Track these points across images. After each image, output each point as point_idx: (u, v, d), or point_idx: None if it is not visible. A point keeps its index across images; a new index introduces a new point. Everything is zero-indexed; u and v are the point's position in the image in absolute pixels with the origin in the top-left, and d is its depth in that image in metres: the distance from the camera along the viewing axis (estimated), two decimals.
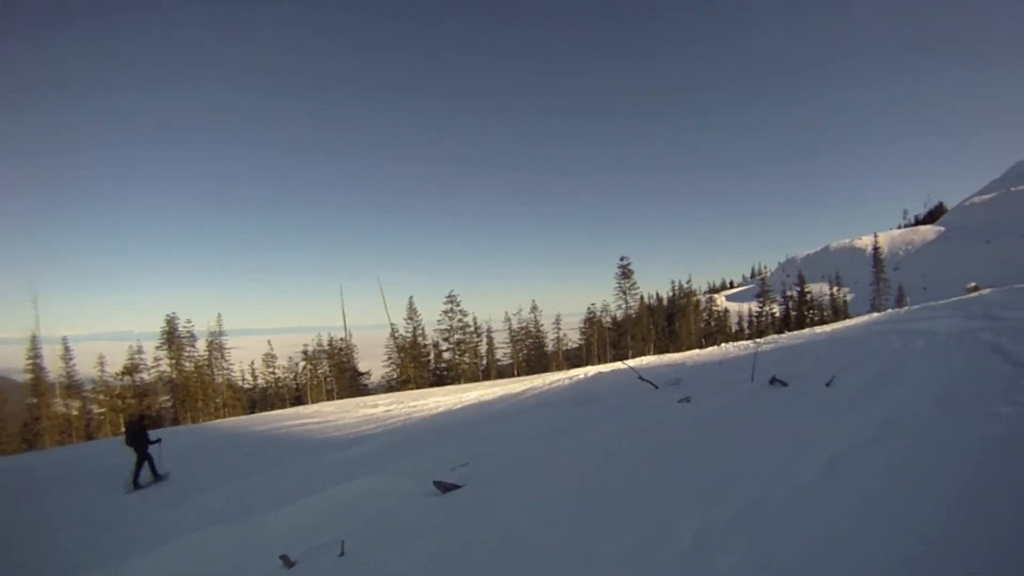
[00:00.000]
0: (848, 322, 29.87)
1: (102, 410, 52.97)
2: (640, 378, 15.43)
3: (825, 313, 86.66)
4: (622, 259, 75.54)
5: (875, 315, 31.31)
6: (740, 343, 31.51)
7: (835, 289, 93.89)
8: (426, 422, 21.07)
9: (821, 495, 4.97)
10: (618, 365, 26.91)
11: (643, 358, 36.10)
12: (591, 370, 30.72)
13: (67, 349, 53.48)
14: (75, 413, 53.17)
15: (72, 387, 53.54)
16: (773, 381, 10.76)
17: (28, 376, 49.30)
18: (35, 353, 49.47)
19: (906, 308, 30.04)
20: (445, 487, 7.92)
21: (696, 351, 32.40)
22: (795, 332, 33.07)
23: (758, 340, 29.73)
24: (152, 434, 16.52)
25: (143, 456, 15.64)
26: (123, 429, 17.70)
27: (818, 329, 28.86)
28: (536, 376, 38.97)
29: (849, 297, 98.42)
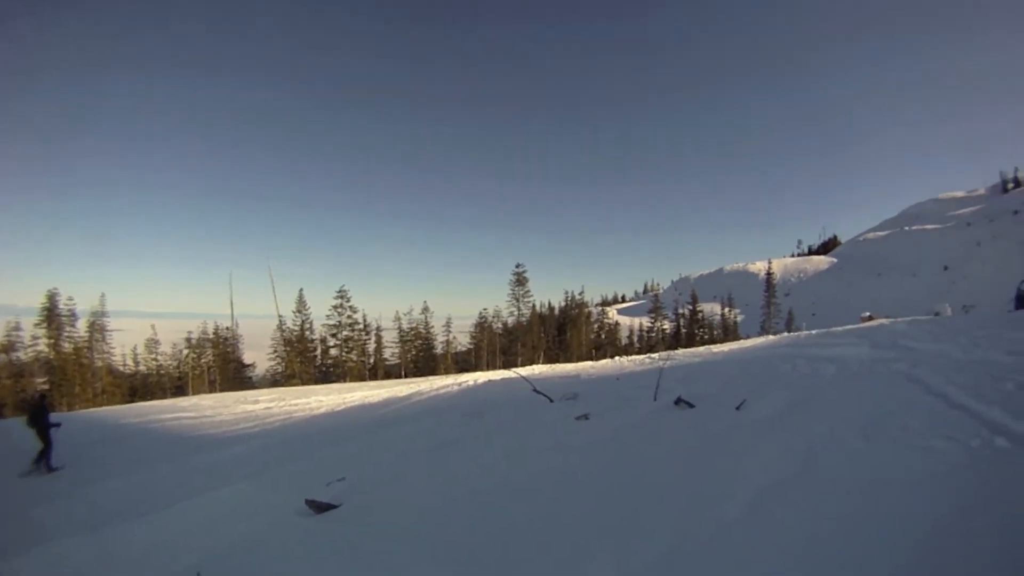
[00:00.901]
0: (746, 343, 30.22)
1: None
2: (535, 390, 14.87)
3: (715, 332, 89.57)
4: (517, 266, 76.37)
5: (772, 337, 31.90)
6: (635, 357, 31.52)
7: (726, 309, 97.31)
8: (306, 423, 20.02)
9: (747, 537, 4.51)
10: (509, 373, 26.36)
11: (535, 367, 35.87)
12: (481, 376, 30.15)
13: None
14: None
15: None
16: (679, 402, 10.26)
17: None
18: None
19: (806, 333, 30.49)
20: (319, 507, 7.20)
21: (590, 363, 32.35)
22: (691, 349, 33.37)
23: (653, 355, 29.86)
24: (52, 417, 15.86)
25: (46, 438, 14.95)
26: (23, 409, 16.24)
27: (715, 348, 29.08)
28: (423, 379, 38.21)
29: (740, 318, 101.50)
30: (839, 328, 28.16)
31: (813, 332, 29.08)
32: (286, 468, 11.45)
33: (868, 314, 62.93)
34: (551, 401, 13.74)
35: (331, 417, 21.09)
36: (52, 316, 55.75)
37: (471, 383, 26.49)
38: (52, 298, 56.13)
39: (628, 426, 9.32)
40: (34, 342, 55.84)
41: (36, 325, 55.74)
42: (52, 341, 55.37)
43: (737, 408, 9.17)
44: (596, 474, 6.83)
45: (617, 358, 34.51)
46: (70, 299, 57.69)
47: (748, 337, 78.22)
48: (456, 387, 25.56)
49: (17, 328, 55.33)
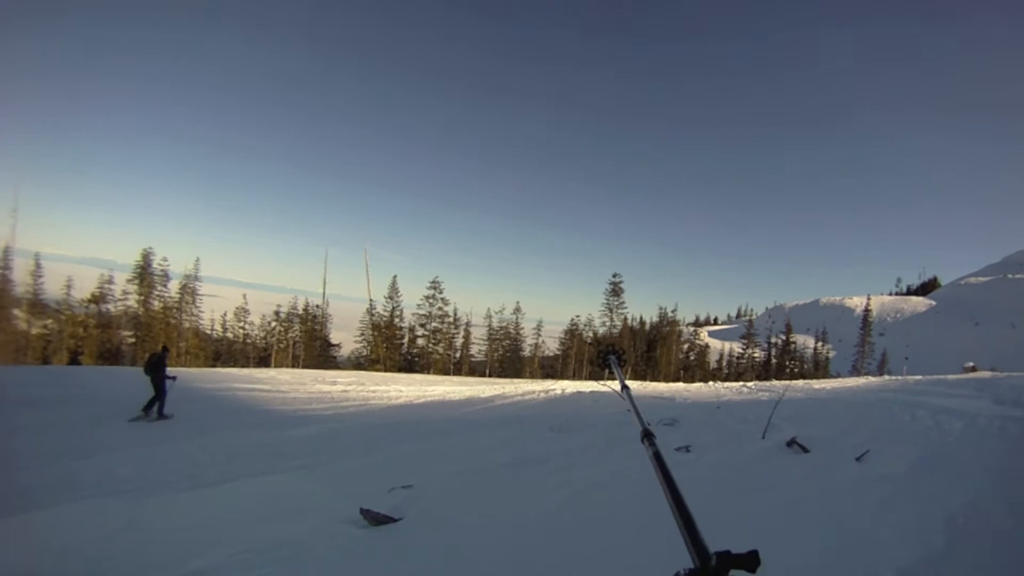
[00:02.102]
0: (848, 382, 28.55)
1: (60, 332, 52.82)
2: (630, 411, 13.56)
3: (806, 366, 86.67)
4: (614, 276, 75.05)
5: (873, 379, 30.12)
6: (730, 384, 30.19)
7: (819, 343, 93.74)
8: (381, 414, 19.16)
9: None
10: (600, 386, 25.19)
11: (629, 382, 33.84)
12: (569, 386, 28.93)
13: (38, 266, 53.12)
14: (35, 332, 52.47)
15: (36, 305, 52.95)
16: (791, 443, 8.91)
17: None
18: (6, 264, 48.85)
19: (913, 378, 28.55)
20: (376, 519, 6.20)
21: (683, 385, 31.20)
22: (788, 383, 31.71)
23: (749, 384, 28.56)
24: (169, 371, 16.68)
25: (159, 388, 15.94)
26: (145, 358, 17.18)
27: (815, 384, 27.45)
28: (508, 381, 37.18)
29: (831, 354, 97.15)
30: (951, 376, 26.27)
31: (920, 378, 27.26)
32: (349, 462, 10.55)
33: (971, 364, 59.89)
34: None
35: (408, 410, 20.26)
36: (145, 274, 56.81)
37: (558, 392, 25.51)
38: (146, 256, 57.15)
39: (734, 467, 8.12)
40: (124, 297, 56.93)
41: (128, 281, 56.84)
42: (142, 298, 56.38)
43: (858, 459, 7.88)
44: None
45: (712, 383, 33.12)
46: (164, 260, 58.58)
47: (838, 375, 75.89)
48: (543, 395, 24.61)
49: (110, 281, 56.61)
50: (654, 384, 33.40)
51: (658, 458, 1.54)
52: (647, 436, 1.69)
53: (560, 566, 4.65)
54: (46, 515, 6.71)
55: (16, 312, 51.09)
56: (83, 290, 55.29)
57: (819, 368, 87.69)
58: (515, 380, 40.68)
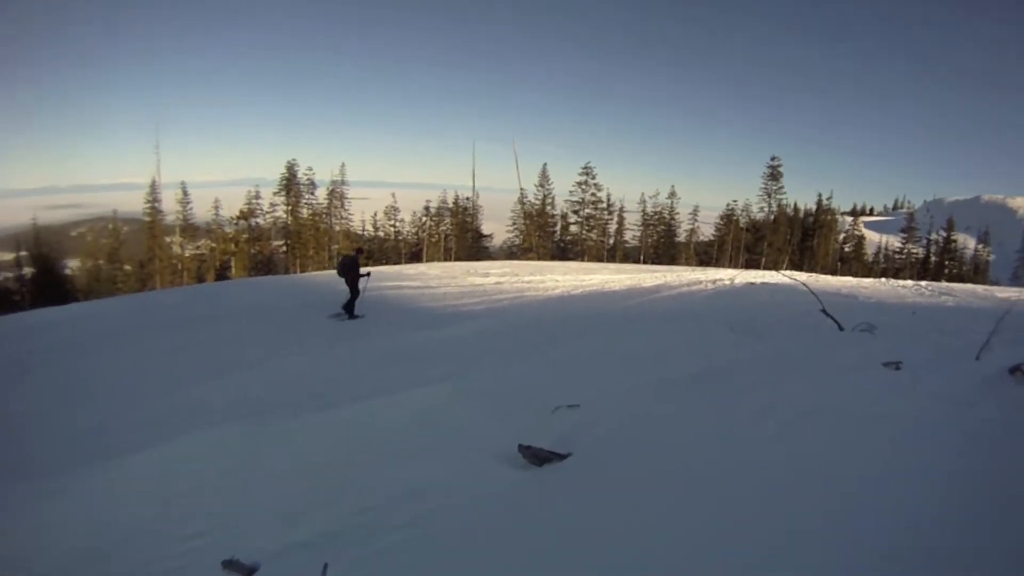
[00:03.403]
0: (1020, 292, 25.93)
1: (213, 251, 54.71)
2: (824, 312, 11.04)
3: (965, 268, 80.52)
4: (773, 159, 71.49)
5: None
6: (906, 283, 27.73)
7: (980, 245, 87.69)
8: (537, 307, 18.06)
9: None
10: (779, 277, 23.51)
11: (797, 273, 31.51)
12: (735, 275, 27.12)
13: (185, 193, 54.44)
14: (187, 255, 54.57)
15: (187, 229, 54.89)
16: (1016, 371, 7.19)
17: (147, 220, 50.79)
18: (154, 197, 50.77)
19: None
20: (539, 456, 4.92)
21: (856, 280, 28.94)
22: (964, 286, 29.23)
23: (927, 285, 26.31)
24: (363, 269, 16.62)
25: (355, 288, 16.04)
26: (338, 260, 18.29)
27: (999, 292, 25.00)
28: (667, 269, 35.30)
29: (991, 257, 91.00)
30: None
31: None
32: (503, 369, 9.30)
33: None
34: (841, 329, 10.44)
35: (566, 302, 19.13)
36: (291, 185, 57.33)
37: (727, 282, 23.79)
38: (291, 168, 57.46)
39: (964, 398, 6.19)
40: (272, 209, 57.80)
41: (275, 194, 57.56)
42: (290, 208, 57.09)
43: None
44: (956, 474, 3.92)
45: (887, 280, 30.90)
46: (309, 169, 58.82)
47: (997, 282, 71.47)
48: (711, 285, 22.90)
49: (257, 196, 57.07)
50: (825, 277, 31.34)
51: None
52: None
53: (780, 545, 3.17)
54: (159, 452, 5.98)
55: (168, 239, 53.05)
56: (232, 209, 56.11)
57: (978, 272, 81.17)
58: (674, 268, 39.16)
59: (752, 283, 23.68)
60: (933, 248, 79.01)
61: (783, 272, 24.97)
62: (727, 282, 23.85)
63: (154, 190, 50.33)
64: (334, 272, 16.75)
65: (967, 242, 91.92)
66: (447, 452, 5.47)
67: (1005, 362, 7.05)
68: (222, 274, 51.86)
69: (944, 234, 77.93)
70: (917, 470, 4.01)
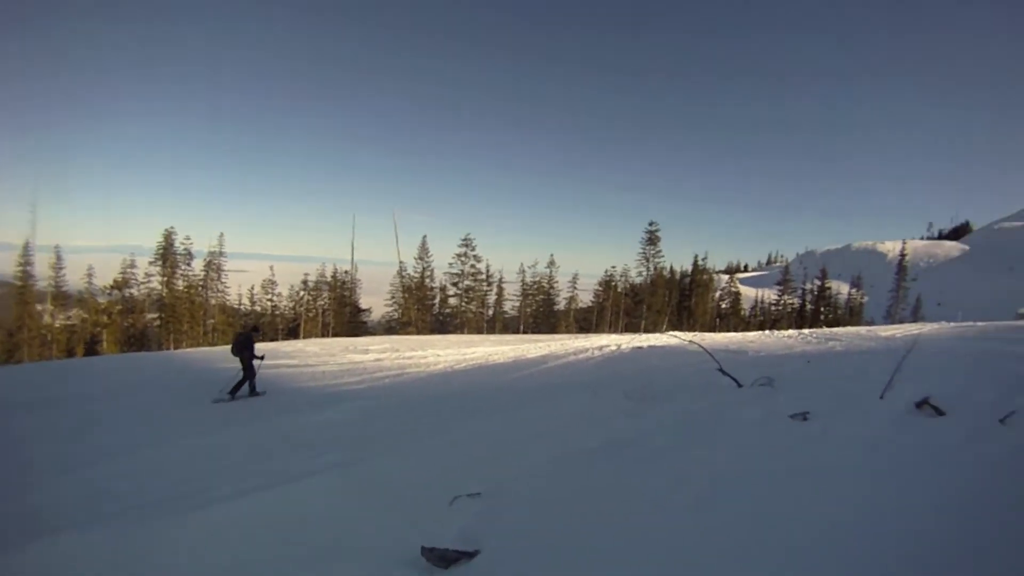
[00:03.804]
0: (912, 328, 28.22)
1: (83, 321, 53.68)
2: (722, 371, 10.98)
3: (839, 312, 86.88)
4: (651, 224, 74.12)
5: (934, 325, 29.63)
6: (790, 333, 28.63)
7: (854, 290, 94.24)
8: (421, 385, 17.09)
9: None
10: (665, 339, 23.56)
11: (682, 333, 32.43)
12: (622, 340, 27.01)
13: (59, 258, 53.96)
14: (58, 325, 52.92)
15: (59, 297, 53.73)
16: (923, 404, 7.11)
17: (17, 284, 49.47)
18: (26, 260, 49.68)
19: (979, 324, 27.29)
20: (445, 558, 4.28)
21: (741, 335, 29.48)
22: (849, 329, 30.86)
23: (804, 332, 28.18)
24: (258, 349, 16.53)
25: (247, 368, 15.76)
26: (232, 338, 17.00)
27: (881, 331, 26.16)
28: (549, 338, 35.76)
29: (865, 300, 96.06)
30: (1013, 322, 24.54)
31: (983, 324, 26.04)
32: (391, 457, 8.28)
33: None
34: (739, 386, 10.26)
35: (451, 378, 18.22)
36: (167, 254, 56.53)
37: (614, 348, 23.39)
38: (168, 237, 56.87)
39: (874, 441, 6.21)
40: (147, 280, 56.67)
41: (151, 263, 56.57)
42: (165, 279, 56.18)
43: (1002, 421, 6.36)
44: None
45: (772, 332, 31.76)
46: (187, 239, 58.38)
47: (872, 322, 79.05)
48: (597, 352, 22.44)
49: (132, 265, 56.15)
50: (710, 335, 31.45)
51: None
52: None
53: None
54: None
55: (40, 307, 51.87)
56: (107, 278, 55.26)
57: (853, 315, 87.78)
58: (557, 336, 39.77)
59: (640, 347, 23.44)
60: (808, 297, 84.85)
61: (670, 333, 25.10)
62: (614, 348, 23.59)
63: (27, 252, 49.22)
64: (209, 349, 16.02)
65: (840, 288, 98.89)
66: (343, 557, 4.66)
67: (910, 397, 7.64)
68: (91, 348, 50.45)
69: (819, 282, 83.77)
70: (843, 530, 4.07)
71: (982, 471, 4.99)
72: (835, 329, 30.57)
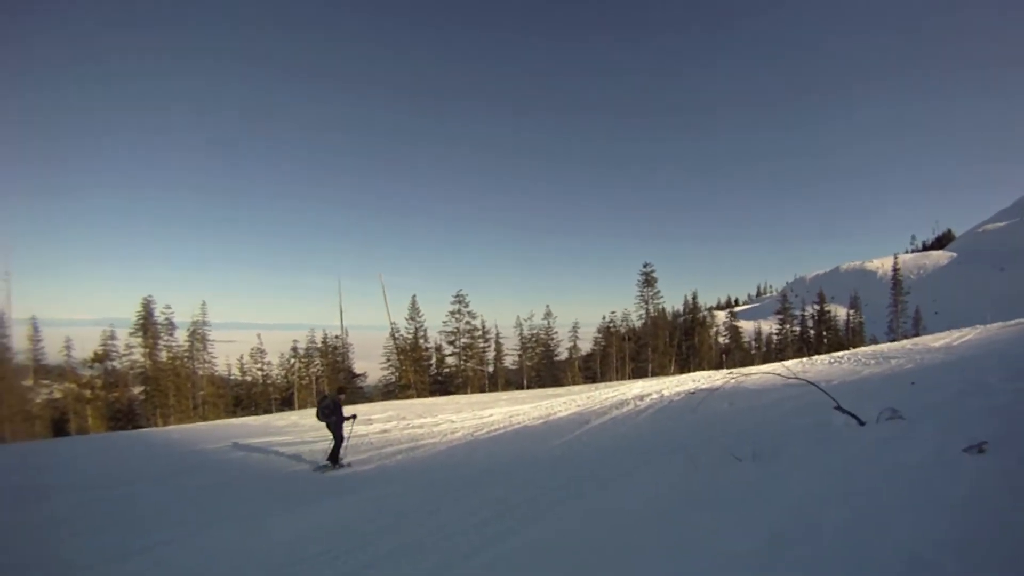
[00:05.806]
0: (961, 334, 25.55)
1: (61, 396, 51.79)
2: (840, 408, 7.59)
3: (840, 334, 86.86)
4: (645, 266, 74.34)
5: (992, 326, 27.65)
6: (838, 354, 27.70)
7: (852, 311, 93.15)
8: (442, 460, 14.25)
9: None
10: (716, 378, 21.70)
11: (744, 369, 28.91)
12: (659, 386, 24.17)
13: (36, 330, 53.11)
14: (39, 401, 50.68)
15: (39, 371, 52.62)
16: None
17: None
18: (2, 332, 47.38)
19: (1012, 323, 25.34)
20: None
21: (786, 363, 26.81)
22: (894, 345, 29.15)
23: (839, 355, 27.13)
24: (347, 410, 15.41)
25: (338, 433, 14.61)
26: (317, 401, 17.39)
27: (931, 341, 25.02)
28: (565, 391, 33.66)
29: (862, 319, 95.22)
30: None
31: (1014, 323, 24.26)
32: None
33: None
34: (861, 423, 6.92)
35: (477, 451, 15.21)
36: (148, 325, 54.80)
37: (656, 397, 20.66)
38: (147, 306, 55.21)
39: None
40: (129, 351, 54.88)
41: (131, 334, 54.73)
42: (147, 350, 54.33)
43: None
44: None
45: (810, 358, 30.04)
46: (167, 308, 56.68)
47: (874, 339, 78.90)
48: (640, 403, 19.68)
49: (112, 337, 54.72)
50: (746, 368, 27.67)
51: None
52: None
53: None
54: None
55: (23, 382, 49.91)
56: (86, 351, 53.82)
57: (855, 335, 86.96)
58: (570, 388, 38.09)
59: (693, 392, 20.68)
60: (810, 322, 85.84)
61: (727, 371, 23.09)
62: (656, 396, 20.86)
63: (3, 324, 46.96)
64: (184, 426, 13.69)
65: (837, 310, 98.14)
66: None
67: None
68: (59, 427, 48.42)
69: (818, 307, 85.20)
70: None
71: None
72: (879, 347, 29.46)
